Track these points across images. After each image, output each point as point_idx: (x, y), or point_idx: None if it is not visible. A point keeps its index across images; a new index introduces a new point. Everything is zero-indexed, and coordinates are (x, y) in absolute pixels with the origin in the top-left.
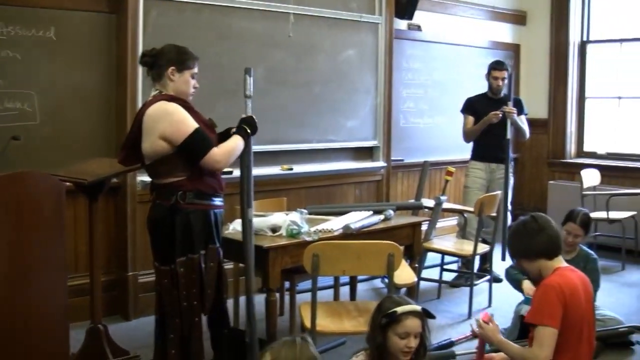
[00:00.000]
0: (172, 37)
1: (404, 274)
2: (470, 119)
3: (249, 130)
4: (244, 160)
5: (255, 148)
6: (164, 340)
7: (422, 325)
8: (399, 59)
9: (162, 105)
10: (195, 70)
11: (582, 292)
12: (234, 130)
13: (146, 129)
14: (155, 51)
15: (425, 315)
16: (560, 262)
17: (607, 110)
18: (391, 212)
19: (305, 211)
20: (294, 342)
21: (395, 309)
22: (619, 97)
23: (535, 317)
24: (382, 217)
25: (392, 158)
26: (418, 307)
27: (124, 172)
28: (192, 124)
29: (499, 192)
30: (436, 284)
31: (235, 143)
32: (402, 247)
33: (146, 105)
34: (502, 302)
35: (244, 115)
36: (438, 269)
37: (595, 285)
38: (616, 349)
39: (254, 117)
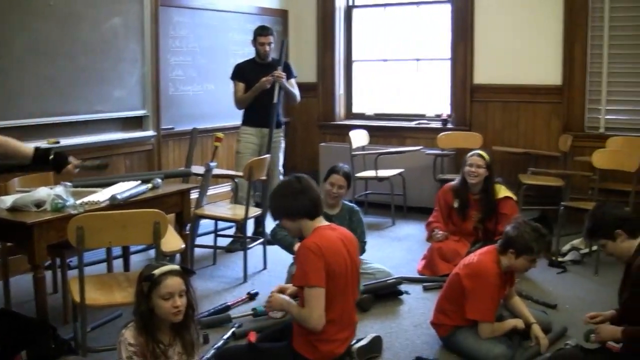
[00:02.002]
0: None
1: (172, 241)
2: (241, 85)
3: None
4: None
5: (19, 122)
6: None
7: (185, 284)
8: (165, 27)
9: None
10: None
11: (343, 248)
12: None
13: None
14: None
15: (185, 272)
16: (321, 222)
17: (373, 73)
18: (159, 180)
19: (69, 184)
20: None
21: (153, 272)
22: (385, 60)
23: (301, 279)
24: (149, 185)
25: (162, 127)
26: (176, 266)
27: None
28: None
29: (267, 156)
30: (212, 250)
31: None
32: (172, 215)
33: None
34: (277, 263)
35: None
36: (213, 235)
37: (363, 235)
38: (387, 299)
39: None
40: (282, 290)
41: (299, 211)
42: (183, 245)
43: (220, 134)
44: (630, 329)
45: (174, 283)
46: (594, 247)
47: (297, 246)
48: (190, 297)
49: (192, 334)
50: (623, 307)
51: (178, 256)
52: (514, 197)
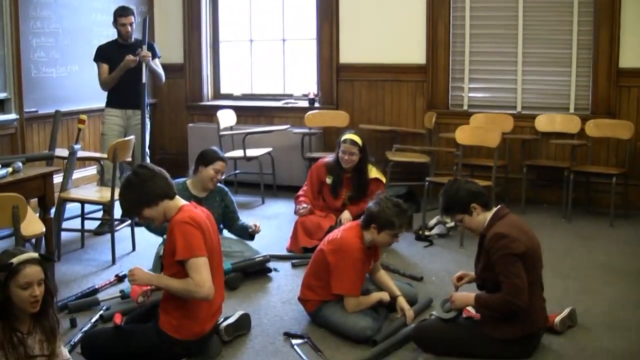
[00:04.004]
0: None
1: (32, 225)
2: (105, 67)
3: None
4: None
5: None
6: None
7: (44, 272)
8: (25, 7)
9: None
10: None
11: (209, 224)
12: None
13: None
14: None
15: (44, 260)
16: (181, 200)
17: (240, 53)
18: (20, 164)
19: None
20: None
21: (11, 261)
22: (251, 40)
23: (185, 252)
24: (10, 170)
25: (25, 110)
26: (35, 254)
27: None
28: None
29: (132, 137)
30: (79, 234)
31: None
32: (34, 200)
33: None
34: (145, 245)
35: None
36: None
37: (236, 214)
38: (256, 277)
39: None
40: None
41: (158, 194)
42: (43, 229)
43: (83, 116)
44: (482, 296)
45: (33, 272)
46: None
47: None
48: (49, 284)
49: (52, 321)
50: (479, 277)
51: (43, 241)
52: (383, 179)
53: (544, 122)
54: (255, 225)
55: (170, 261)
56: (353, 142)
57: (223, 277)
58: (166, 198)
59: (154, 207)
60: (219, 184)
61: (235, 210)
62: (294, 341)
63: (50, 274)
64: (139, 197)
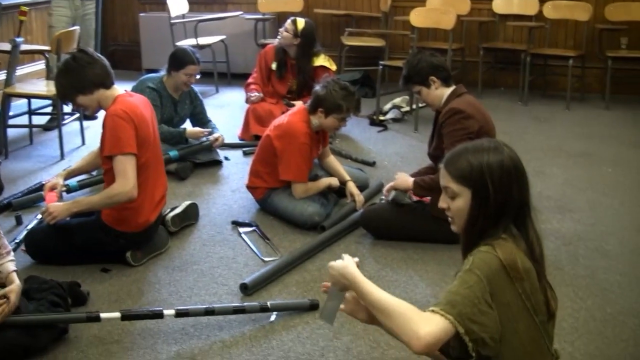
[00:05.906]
0: None
1: None
2: None
3: None
4: None
5: None
6: None
7: None
8: None
9: None
10: None
11: (146, 114)
12: None
13: None
14: None
15: None
16: (117, 90)
17: None
18: None
19: None
20: None
21: None
22: None
23: (113, 147)
24: None
25: None
26: None
27: None
28: None
29: (77, 28)
30: (28, 130)
31: None
32: None
33: None
34: (95, 138)
35: None
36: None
37: (204, 116)
38: (207, 166)
39: None
40: (54, 187)
41: (94, 82)
42: None
43: (24, 8)
44: (419, 178)
45: None
46: (414, 106)
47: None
48: None
49: None
50: (431, 157)
51: None
52: (332, 67)
53: (502, 4)
54: (216, 139)
55: (103, 155)
56: (292, 21)
57: (164, 166)
58: (102, 87)
59: (89, 95)
60: None
61: (203, 112)
62: (241, 230)
63: None
64: (75, 82)
